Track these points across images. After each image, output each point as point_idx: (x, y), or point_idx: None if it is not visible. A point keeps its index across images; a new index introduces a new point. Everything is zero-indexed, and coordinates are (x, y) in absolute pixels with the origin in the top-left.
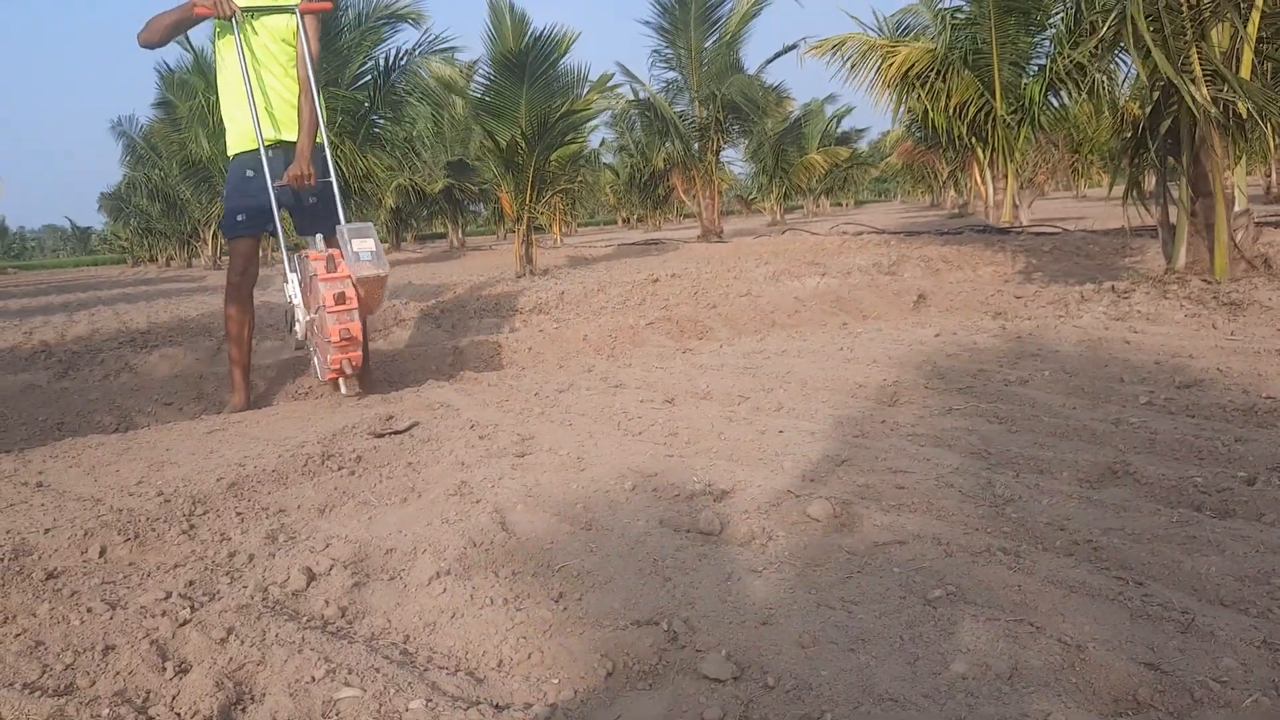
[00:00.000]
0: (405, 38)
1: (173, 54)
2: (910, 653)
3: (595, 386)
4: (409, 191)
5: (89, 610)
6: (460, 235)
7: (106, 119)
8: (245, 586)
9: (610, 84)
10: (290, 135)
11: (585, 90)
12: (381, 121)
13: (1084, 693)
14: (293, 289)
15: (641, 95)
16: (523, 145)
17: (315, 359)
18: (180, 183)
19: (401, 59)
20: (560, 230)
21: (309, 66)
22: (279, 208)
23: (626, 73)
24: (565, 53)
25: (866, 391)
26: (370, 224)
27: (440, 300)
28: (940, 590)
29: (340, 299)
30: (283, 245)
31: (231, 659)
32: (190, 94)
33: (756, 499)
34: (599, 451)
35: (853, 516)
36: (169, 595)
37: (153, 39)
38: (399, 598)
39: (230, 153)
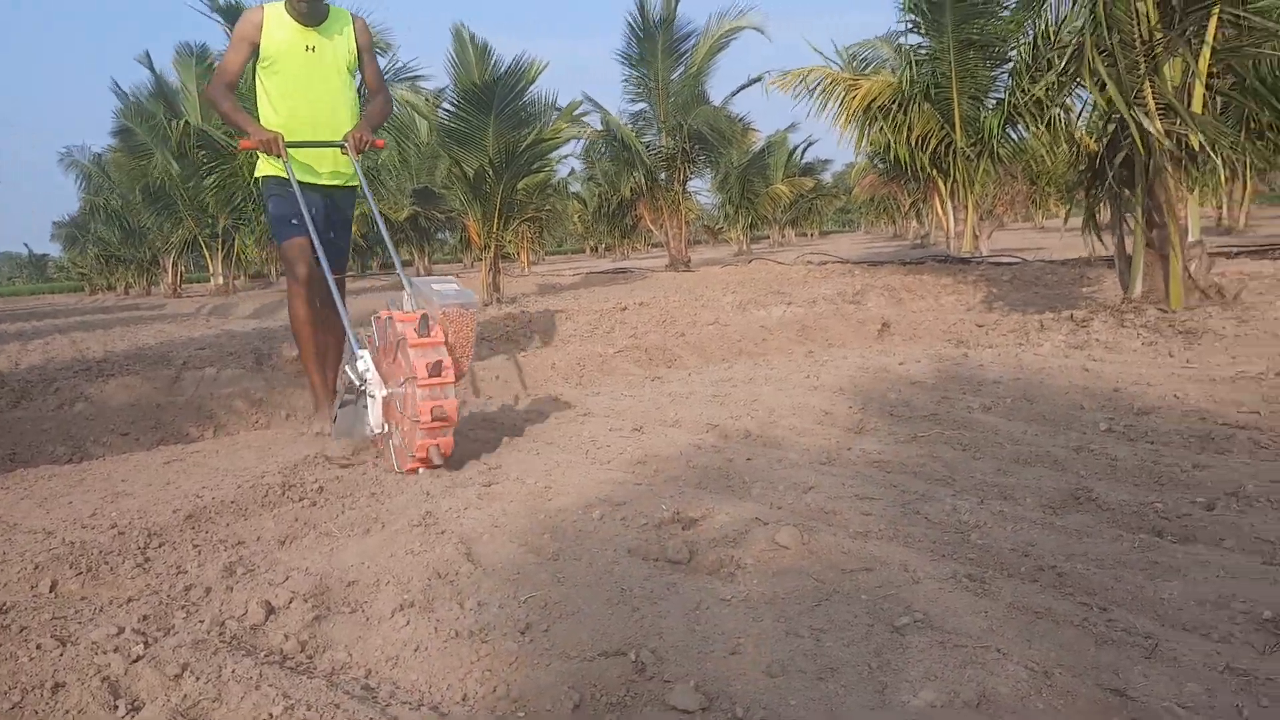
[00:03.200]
0: None
1: (129, 78)
2: (879, 681)
3: (563, 415)
4: (373, 219)
5: (38, 647)
6: (427, 263)
7: (58, 148)
8: (201, 621)
9: (578, 113)
10: (326, 181)
11: (553, 119)
12: None
13: (1051, 719)
14: (365, 365)
15: (608, 125)
16: (490, 173)
17: (391, 444)
18: (141, 209)
19: (364, 87)
20: (528, 258)
21: (380, 78)
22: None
23: (593, 103)
24: (532, 82)
25: (833, 419)
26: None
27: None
28: (908, 617)
29: (436, 369)
30: (346, 322)
31: (186, 696)
32: (151, 119)
33: (725, 527)
34: (567, 480)
35: (820, 544)
36: (122, 631)
37: (213, 105)
38: (361, 631)
39: (261, 173)
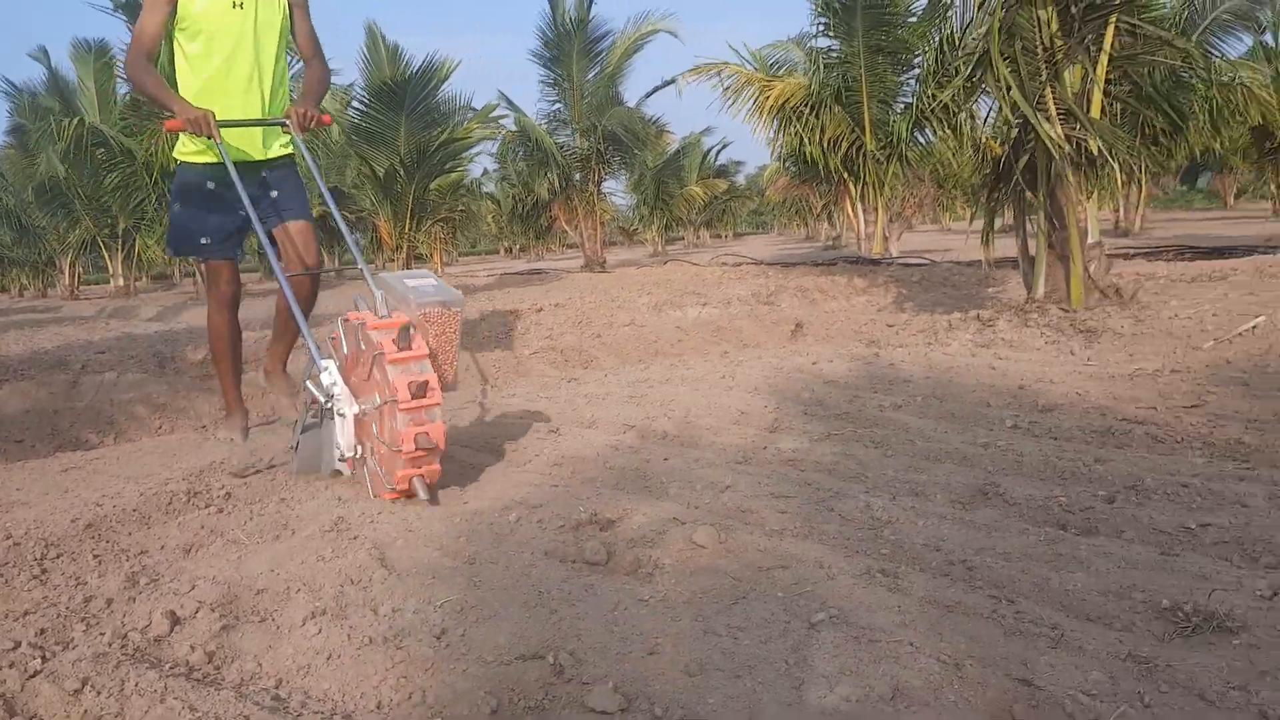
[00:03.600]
0: None
1: (21, 73)
2: (796, 677)
3: (478, 417)
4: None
5: None
6: (337, 264)
7: None
8: (102, 633)
9: (493, 114)
10: (260, 155)
11: (467, 119)
12: None
13: (962, 710)
14: (331, 378)
15: (523, 125)
16: (401, 173)
17: (365, 468)
18: (34, 208)
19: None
20: (441, 259)
21: (314, 42)
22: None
23: (509, 103)
24: (444, 80)
25: (749, 418)
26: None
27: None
28: (823, 614)
29: (421, 390)
30: (303, 326)
31: (87, 711)
32: (45, 117)
33: (642, 527)
34: (482, 483)
35: (737, 542)
36: (17, 645)
37: (133, 82)
38: (271, 640)
39: (182, 156)
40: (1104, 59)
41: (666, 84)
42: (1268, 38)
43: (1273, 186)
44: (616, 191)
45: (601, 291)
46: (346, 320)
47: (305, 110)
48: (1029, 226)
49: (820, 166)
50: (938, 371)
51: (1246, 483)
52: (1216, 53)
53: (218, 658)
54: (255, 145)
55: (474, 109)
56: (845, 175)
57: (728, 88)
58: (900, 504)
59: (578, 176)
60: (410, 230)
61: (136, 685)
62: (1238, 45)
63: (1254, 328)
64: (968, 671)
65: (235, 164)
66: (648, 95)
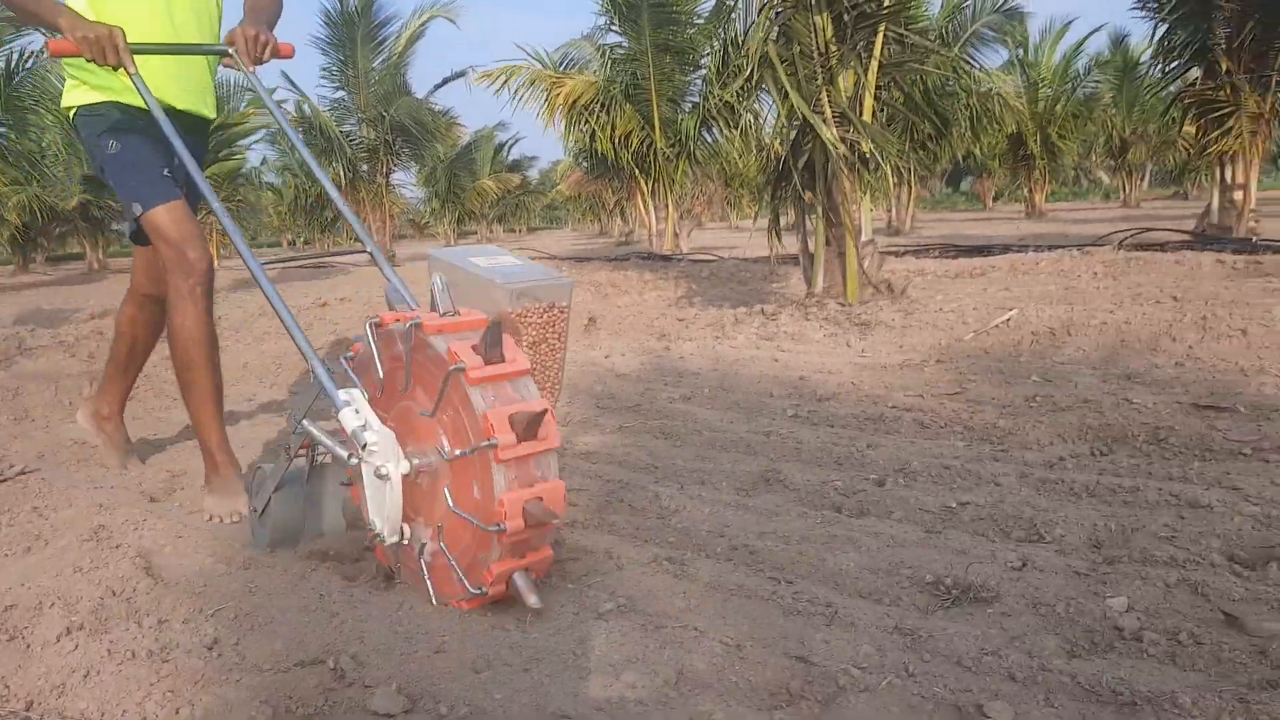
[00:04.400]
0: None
1: None
2: (583, 667)
3: (257, 417)
4: (37, 208)
5: None
6: (101, 256)
7: None
8: None
9: (274, 98)
10: (184, 105)
11: (245, 102)
12: (2, 130)
13: (743, 690)
14: (359, 419)
15: (306, 111)
16: None
17: (422, 559)
18: None
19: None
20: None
21: None
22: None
23: (291, 84)
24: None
25: None
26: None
27: (75, 327)
28: (612, 603)
29: (530, 427)
30: (309, 353)
31: None
32: None
33: None
34: None
35: None
36: None
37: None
38: (20, 660)
39: (75, 103)
40: (875, 65)
41: (457, 75)
42: (1021, 51)
43: (1025, 190)
44: (406, 184)
45: None
46: (380, 325)
47: (257, 33)
48: (809, 224)
49: (612, 162)
50: (724, 364)
51: (1000, 463)
52: (976, 64)
53: None
54: (174, 87)
55: (251, 91)
56: (637, 172)
57: (518, 88)
58: (688, 493)
59: (365, 168)
60: None
61: None
62: (995, 57)
63: (1008, 320)
64: (748, 652)
65: (169, 110)
66: (437, 87)
